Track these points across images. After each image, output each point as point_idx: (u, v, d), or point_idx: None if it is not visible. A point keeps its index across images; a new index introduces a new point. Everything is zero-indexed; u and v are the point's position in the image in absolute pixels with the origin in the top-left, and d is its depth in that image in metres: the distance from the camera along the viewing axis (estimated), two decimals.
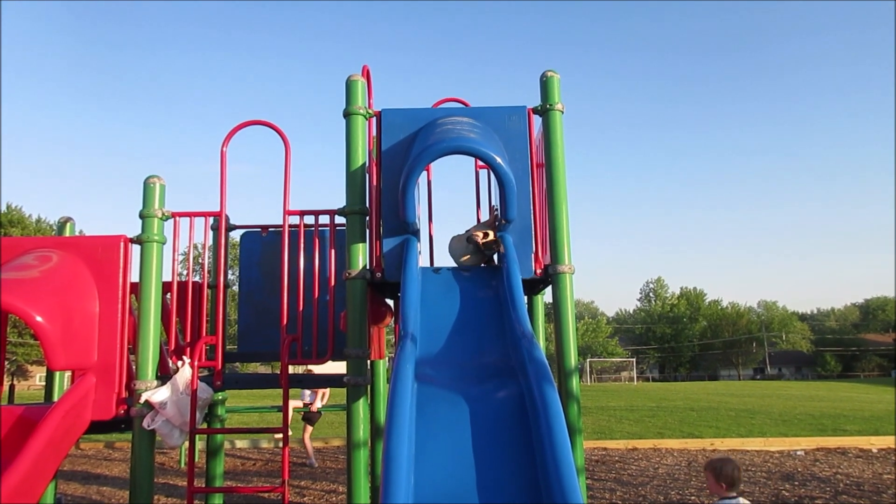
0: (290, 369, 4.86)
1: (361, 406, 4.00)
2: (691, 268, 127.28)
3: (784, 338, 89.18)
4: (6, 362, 4.20)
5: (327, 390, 10.79)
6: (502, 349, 3.48)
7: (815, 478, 8.56)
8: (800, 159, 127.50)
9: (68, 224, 5.19)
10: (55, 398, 4.94)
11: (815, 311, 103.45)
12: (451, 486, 2.64)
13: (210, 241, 5.29)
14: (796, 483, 8.19)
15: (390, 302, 4.87)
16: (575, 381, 3.87)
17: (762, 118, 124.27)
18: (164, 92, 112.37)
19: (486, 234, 4.02)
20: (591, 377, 66.49)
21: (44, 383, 5.54)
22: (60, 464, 3.90)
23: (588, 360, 67.95)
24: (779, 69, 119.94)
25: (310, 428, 10.47)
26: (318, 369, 7.47)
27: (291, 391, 4.49)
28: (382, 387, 5.32)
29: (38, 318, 3.62)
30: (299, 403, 10.53)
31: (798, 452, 10.97)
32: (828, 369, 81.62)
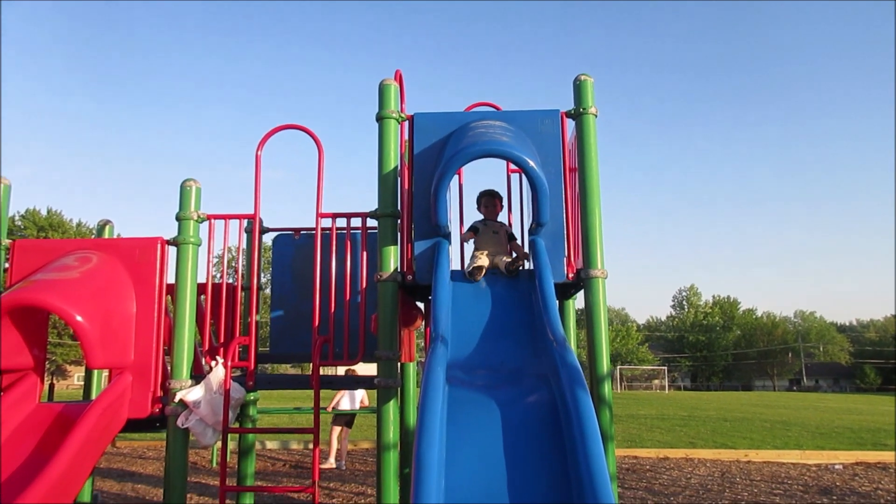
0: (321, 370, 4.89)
1: (392, 408, 4.01)
2: (725, 277, 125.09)
3: (821, 349, 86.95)
4: (46, 362, 4.30)
5: (364, 394, 10.84)
6: (534, 353, 3.45)
7: (855, 492, 8.30)
8: (841, 167, 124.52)
9: (107, 227, 5.32)
10: (93, 396, 5.05)
11: (855, 323, 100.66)
12: (481, 489, 2.62)
13: (244, 244, 5.37)
14: (835, 497, 7.95)
15: (421, 305, 4.88)
16: (607, 387, 3.82)
17: (799, 126, 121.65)
18: (199, 99, 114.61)
19: (513, 262, 3.99)
20: (620, 385, 65.62)
21: (82, 383, 5.67)
22: (98, 460, 3.98)
23: (618, 367, 67.08)
24: (825, 80, 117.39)
25: (346, 430, 10.51)
26: (359, 371, 7.52)
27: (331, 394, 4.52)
28: (412, 389, 5.32)
29: (79, 318, 3.71)
30: (347, 406, 10.60)
31: (836, 466, 10.65)
32: (867, 382, 79.28)
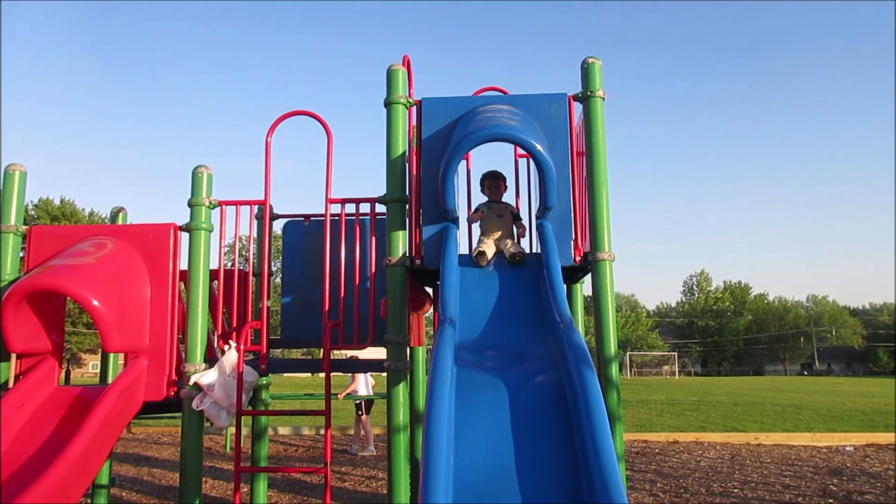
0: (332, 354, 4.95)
1: (402, 391, 4.07)
2: (736, 262, 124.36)
3: (834, 333, 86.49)
4: (63, 346, 4.40)
5: (362, 375, 10.97)
6: (542, 335, 3.49)
7: (865, 473, 8.32)
8: (852, 151, 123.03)
9: (121, 214, 5.39)
10: (110, 381, 5.15)
11: (868, 306, 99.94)
12: (490, 468, 2.67)
13: (255, 231, 5.43)
14: (845, 478, 7.98)
15: (429, 290, 4.92)
16: (615, 369, 3.86)
17: (811, 112, 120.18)
18: (208, 88, 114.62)
19: (518, 252, 3.99)
20: (630, 371, 65.63)
21: (96, 371, 5.78)
22: (115, 443, 4.08)
23: (628, 353, 67.06)
24: (836, 61, 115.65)
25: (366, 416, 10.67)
26: (361, 355, 7.62)
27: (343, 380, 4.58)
28: (421, 374, 5.38)
29: (95, 303, 3.78)
30: (364, 392, 10.77)
31: (847, 448, 10.66)
32: (880, 365, 78.82)
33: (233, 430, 10.14)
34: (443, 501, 2.35)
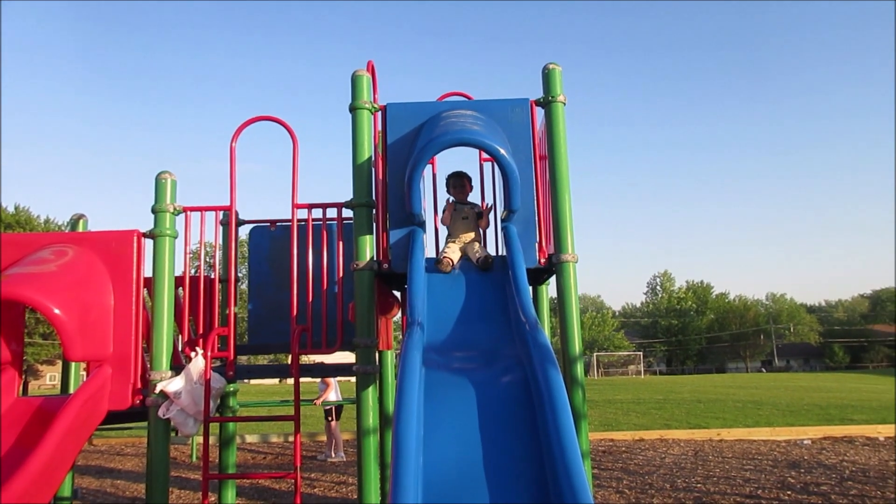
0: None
1: (371, 394, 4.09)
2: (698, 261, 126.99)
3: (792, 330, 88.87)
4: (23, 356, 4.31)
5: (333, 381, 10.94)
6: (508, 336, 3.55)
7: (822, 465, 8.61)
8: (805, 150, 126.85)
9: (81, 221, 5.29)
10: (71, 391, 5.05)
11: (823, 303, 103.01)
12: (458, 467, 2.71)
13: (220, 237, 5.39)
14: (802, 470, 8.25)
15: (397, 294, 4.96)
16: (579, 368, 3.94)
17: (767, 111, 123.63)
18: (170, 91, 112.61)
19: (485, 257, 4.05)
20: (597, 371, 66.41)
21: (54, 382, 5.67)
22: (78, 454, 4.01)
23: (595, 354, 67.86)
24: (786, 64, 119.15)
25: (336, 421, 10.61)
26: (327, 360, 7.60)
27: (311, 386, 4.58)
28: (390, 377, 5.41)
29: (56, 311, 3.72)
30: (333, 398, 10.72)
31: (805, 441, 11.01)
32: (836, 361, 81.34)
33: (199, 439, 9.99)
34: (412, 501, 2.39)
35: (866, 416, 14.33)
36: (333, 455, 10.26)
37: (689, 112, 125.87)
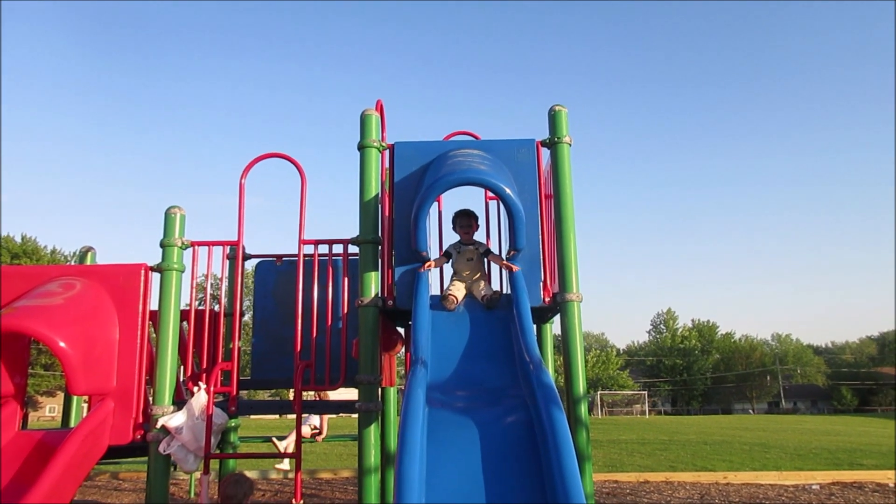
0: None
1: (373, 432, 4.06)
2: (702, 300, 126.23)
3: (799, 371, 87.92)
4: (26, 389, 4.30)
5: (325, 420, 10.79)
6: (512, 375, 3.54)
7: None
8: (814, 189, 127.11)
9: (89, 253, 5.34)
10: (72, 424, 5.03)
11: (831, 345, 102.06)
12: None
13: (227, 271, 5.41)
14: None
15: (401, 330, 4.95)
16: (583, 408, 3.92)
17: (774, 147, 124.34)
18: (180, 125, 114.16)
19: (491, 295, 4.07)
20: (601, 410, 65.55)
21: (53, 414, 5.64)
22: (78, 488, 3.97)
23: (598, 392, 67.11)
24: (791, 100, 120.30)
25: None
26: (332, 394, 7.54)
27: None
28: (393, 414, 5.37)
29: (62, 344, 3.73)
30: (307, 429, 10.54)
31: (813, 486, 10.79)
32: (844, 403, 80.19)
33: (197, 474, 9.83)
34: None
35: (876, 461, 14.05)
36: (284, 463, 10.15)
37: (692, 149, 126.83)
